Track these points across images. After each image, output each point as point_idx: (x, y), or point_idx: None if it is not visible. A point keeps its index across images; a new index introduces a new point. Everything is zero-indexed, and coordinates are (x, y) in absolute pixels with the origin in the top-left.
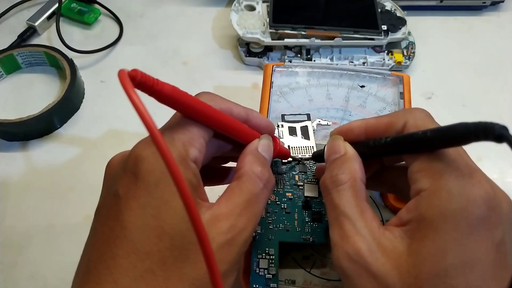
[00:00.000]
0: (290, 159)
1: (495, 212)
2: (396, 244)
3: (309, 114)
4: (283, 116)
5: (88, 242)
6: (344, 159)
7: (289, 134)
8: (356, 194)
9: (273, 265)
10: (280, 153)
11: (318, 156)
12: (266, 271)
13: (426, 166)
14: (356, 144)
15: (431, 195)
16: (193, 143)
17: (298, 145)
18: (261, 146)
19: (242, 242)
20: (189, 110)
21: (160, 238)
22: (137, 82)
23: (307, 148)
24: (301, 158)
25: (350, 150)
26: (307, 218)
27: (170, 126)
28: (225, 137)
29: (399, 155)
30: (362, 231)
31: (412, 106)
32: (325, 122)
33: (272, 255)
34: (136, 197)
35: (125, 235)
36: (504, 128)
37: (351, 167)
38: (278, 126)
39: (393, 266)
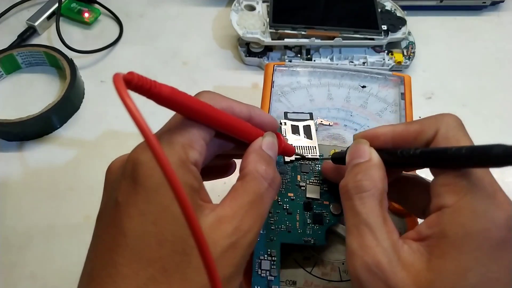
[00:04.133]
0: (292, 158)
1: None
2: (415, 259)
3: (311, 113)
4: (285, 113)
5: (90, 249)
6: (369, 165)
7: (292, 133)
8: (379, 203)
9: (275, 267)
10: (285, 150)
11: (338, 158)
12: (268, 272)
13: (451, 182)
14: (381, 151)
15: (455, 213)
16: (193, 146)
17: (300, 145)
18: (265, 144)
19: (247, 244)
20: (189, 111)
21: (161, 244)
22: (133, 85)
23: (310, 148)
24: (309, 157)
25: (375, 156)
26: (308, 219)
27: (169, 129)
28: (227, 136)
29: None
30: (383, 242)
31: (413, 106)
32: (327, 122)
33: (274, 256)
34: (136, 204)
35: (126, 243)
36: None
37: (376, 174)
38: (280, 123)
39: (412, 281)
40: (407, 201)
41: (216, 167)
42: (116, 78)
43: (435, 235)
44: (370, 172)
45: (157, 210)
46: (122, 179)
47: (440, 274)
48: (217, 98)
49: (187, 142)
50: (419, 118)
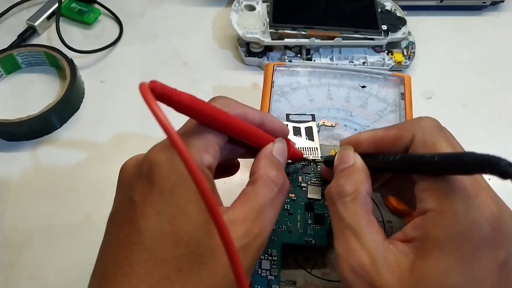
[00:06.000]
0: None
1: (500, 233)
2: (400, 260)
3: (313, 114)
4: (287, 115)
5: (103, 248)
6: (352, 170)
7: (294, 134)
8: (362, 206)
9: (275, 266)
10: (293, 156)
11: (329, 162)
12: (268, 272)
13: (432, 186)
14: (366, 156)
15: (437, 216)
16: (208, 150)
17: (302, 146)
18: (276, 149)
19: (257, 247)
20: (206, 118)
21: (176, 244)
22: (156, 93)
23: (311, 149)
24: (313, 159)
25: (359, 161)
26: (309, 220)
27: (185, 133)
28: (239, 142)
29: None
30: (367, 245)
31: (413, 106)
32: (330, 124)
33: (275, 256)
34: (152, 204)
35: (141, 242)
36: (510, 165)
37: (357, 178)
38: None
39: (396, 282)
40: (404, 197)
41: (221, 167)
42: (142, 87)
43: (420, 237)
44: (353, 177)
45: (173, 210)
46: (138, 178)
47: (423, 275)
48: (232, 104)
49: (202, 146)
50: (398, 123)
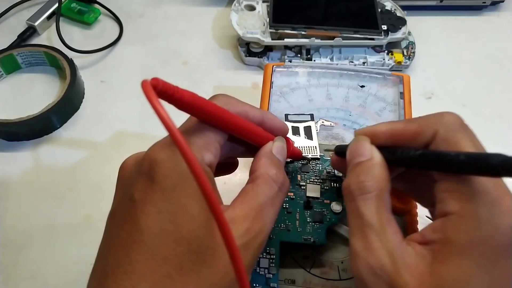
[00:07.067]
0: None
1: None
2: (418, 262)
3: (312, 114)
4: (286, 115)
5: (103, 246)
6: (371, 165)
7: (292, 134)
8: (383, 204)
9: (273, 265)
10: (293, 154)
11: (341, 152)
12: (266, 270)
13: (454, 187)
14: (381, 149)
15: (459, 220)
16: (209, 148)
17: (301, 145)
18: (276, 148)
19: (257, 246)
20: (207, 116)
21: (178, 243)
22: (158, 91)
23: (310, 148)
24: (311, 158)
25: (377, 155)
26: (308, 218)
27: (186, 130)
28: (238, 140)
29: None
30: (387, 244)
31: (413, 106)
32: (329, 123)
33: (273, 254)
34: (153, 202)
35: (142, 240)
36: None
37: (378, 174)
38: None
39: (416, 284)
40: (415, 192)
41: (219, 165)
42: (144, 84)
43: (439, 240)
44: (373, 172)
45: (174, 208)
46: (139, 176)
47: (443, 279)
48: (233, 102)
49: (203, 144)
50: (418, 117)
